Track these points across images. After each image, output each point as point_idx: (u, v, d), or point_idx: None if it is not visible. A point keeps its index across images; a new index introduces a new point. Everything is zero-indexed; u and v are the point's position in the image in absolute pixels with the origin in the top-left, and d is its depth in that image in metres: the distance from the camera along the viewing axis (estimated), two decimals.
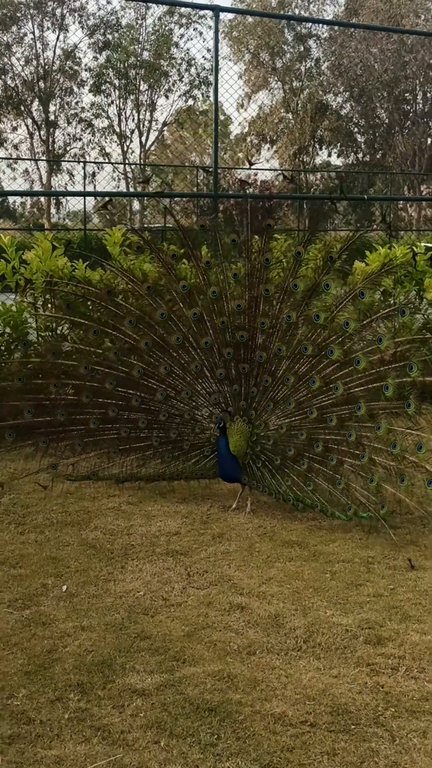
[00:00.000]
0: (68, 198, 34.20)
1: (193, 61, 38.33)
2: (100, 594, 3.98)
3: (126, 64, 37.44)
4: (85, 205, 22.85)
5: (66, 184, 37.43)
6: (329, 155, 42.80)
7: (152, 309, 5.37)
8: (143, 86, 38.34)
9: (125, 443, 5.39)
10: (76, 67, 37.49)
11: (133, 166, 38.11)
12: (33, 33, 35.53)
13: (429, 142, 38.32)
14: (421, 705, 3.01)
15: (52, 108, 36.97)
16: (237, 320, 5.27)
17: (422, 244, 9.23)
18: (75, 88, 37.68)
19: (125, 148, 39.47)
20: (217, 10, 8.71)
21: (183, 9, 35.03)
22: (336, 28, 36.01)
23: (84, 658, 3.36)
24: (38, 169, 37.21)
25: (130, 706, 3.02)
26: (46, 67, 36.27)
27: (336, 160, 42.53)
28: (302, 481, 4.98)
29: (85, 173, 28.15)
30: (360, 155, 41.55)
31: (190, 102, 39.68)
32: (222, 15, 8.05)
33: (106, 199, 9.21)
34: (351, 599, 3.88)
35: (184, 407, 5.33)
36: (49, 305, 7.21)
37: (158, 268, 5.68)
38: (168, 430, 5.37)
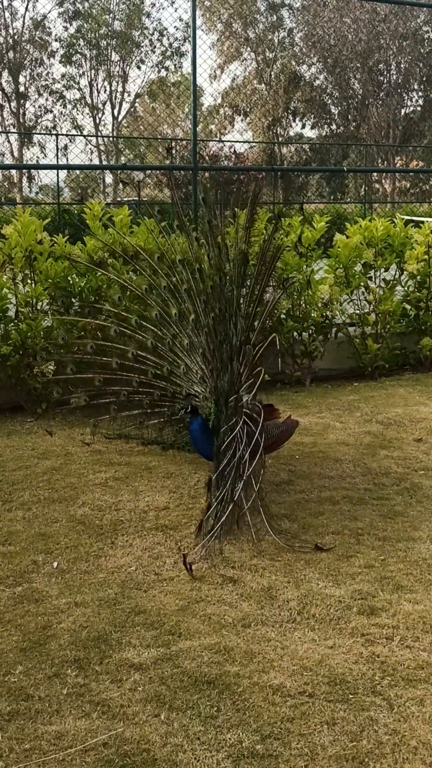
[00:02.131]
0: (40, 171, 33.79)
1: (165, 32, 37.87)
2: (91, 570, 3.97)
3: (97, 35, 36.90)
4: (58, 178, 22.59)
5: (38, 157, 36.98)
6: (303, 127, 42.61)
7: (198, 282, 5.31)
8: (115, 57, 37.84)
9: (148, 409, 5.48)
10: (46, 38, 36.91)
11: (106, 139, 37.67)
12: (1, 3, 34.87)
13: (403, 113, 38.27)
14: (417, 673, 3.04)
15: (22, 79, 36.40)
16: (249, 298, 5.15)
17: (402, 216, 9.22)
18: (45, 59, 37.11)
19: (98, 120, 39.00)
20: None
21: None
22: None
23: (79, 634, 3.36)
24: (9, 141, 36.68)
25: (129, 681, 3.03)
26: (16, 37, 35.65)
27: (310, 132, 42.36)
28: None
29: (57, 146, 27.77)
30: (334, 127, 41.38)
31: (163, 73, 39.25)
32: None
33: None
34: (342, 570, 3.91)
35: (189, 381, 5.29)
36: (29, 280, 7.13)
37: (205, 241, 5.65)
38: (174, 402, 5.35)
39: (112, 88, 38.70)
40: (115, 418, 5.62)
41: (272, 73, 40.18)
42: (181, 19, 39.03)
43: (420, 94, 39.68)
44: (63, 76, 38.33)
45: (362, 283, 8.23)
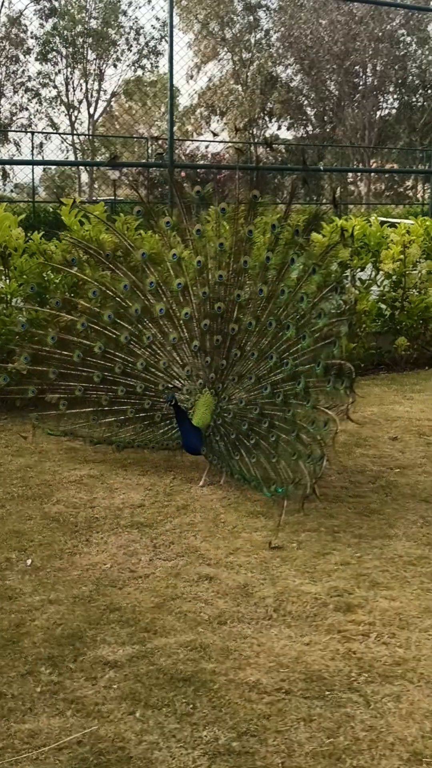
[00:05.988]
0: (15, 169, 33.57)
1: (141, 30, 37.78)
2: (66, 567, 3.93)
3: (73, 33, 36.70)
4: (33, 175, 22.44)
5: (13, 154, 36.71)
6: (279, 128, 42.69)
7: (144, 276, 5.41)
8: (91, 55, 37.67)
9: (105, 407, 5.43)
10: (22, 35, 36.64)
11: (81, 137, 37.51)
12: None
13: (378, 115, 38.48)
14: (393, 670, 3.04)
15: None
16: (217, 291, 5.23)
17: (378, 218, 9.25)
18: (21, 56, 36.84)
19: (73, 119, 38.81)
20: None
21: None
22: None
23: (53, 632, 3.32)
24: None
25: (103, 678, 3.00)
26: None
27: (286, 133, 42.45)
28: (247, 457, 4.93)
29: (32, 143, 27.60)
30: (310, 128, 41.51)
31: (139, 72, 39.14)
32: None
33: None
34: (319, 568, 3.90)
35: (159, 378, 5.31)
36: (3, 276, 7.05)
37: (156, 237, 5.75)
38: (143, 399, 5.36)
39: (88, 87, 38.53)
40: (63, 414, 5.51)
41: (249, 73, 40.22)
42: (157, 18, 39.00)
43: (395, 96, 39.94)
44: (39, 73, 38.09)
45: None
